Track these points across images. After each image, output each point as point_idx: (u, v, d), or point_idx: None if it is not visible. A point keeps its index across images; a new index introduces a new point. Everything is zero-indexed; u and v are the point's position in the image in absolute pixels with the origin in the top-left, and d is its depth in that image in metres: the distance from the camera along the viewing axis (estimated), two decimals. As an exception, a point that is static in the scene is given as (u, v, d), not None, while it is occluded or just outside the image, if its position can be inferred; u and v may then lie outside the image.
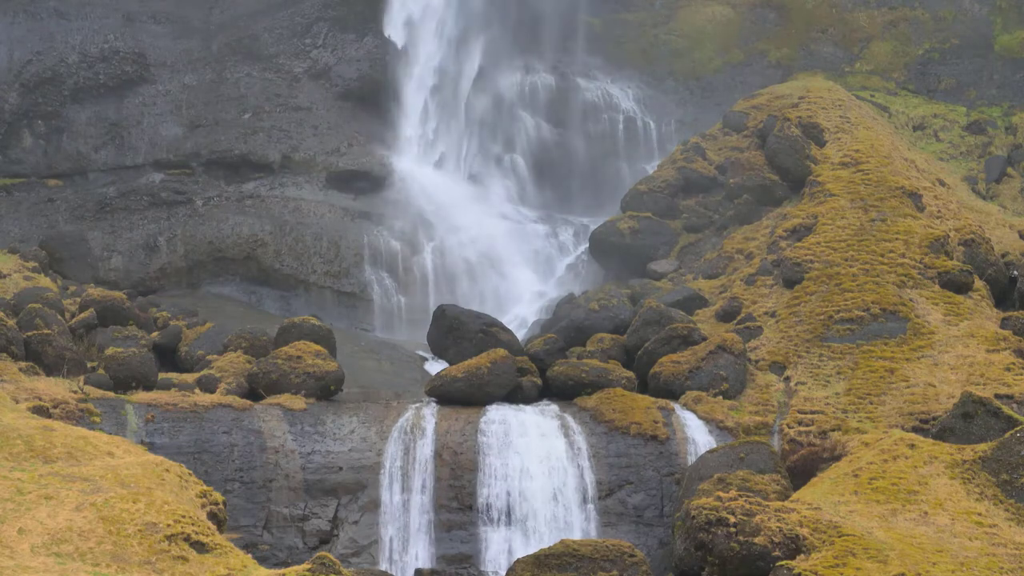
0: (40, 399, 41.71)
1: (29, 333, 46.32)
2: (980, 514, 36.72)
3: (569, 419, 45.03)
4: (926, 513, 36.84)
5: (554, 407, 46.09)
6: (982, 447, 38.93)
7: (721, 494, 36.56)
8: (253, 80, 68.36)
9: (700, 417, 45.20)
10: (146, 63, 67.70)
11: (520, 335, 54.57)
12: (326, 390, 46.07)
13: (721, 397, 46.35)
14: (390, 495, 43.11)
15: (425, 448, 43.72)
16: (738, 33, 75.75)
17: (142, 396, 44.08)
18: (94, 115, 66.75)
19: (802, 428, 44.24)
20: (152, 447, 41.23)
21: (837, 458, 41.85)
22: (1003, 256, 55.07)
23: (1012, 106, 70.05)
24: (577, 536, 41.47)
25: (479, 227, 65.83)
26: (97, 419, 42.00)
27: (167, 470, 36.02)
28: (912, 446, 39.93)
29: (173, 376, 47.55)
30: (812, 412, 44.91)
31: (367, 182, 66.73)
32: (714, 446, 43.37)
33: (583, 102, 72.17)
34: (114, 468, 35.27)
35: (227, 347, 49.19)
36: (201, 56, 68.67)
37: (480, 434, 43.97)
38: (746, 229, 58.40)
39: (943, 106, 70.99)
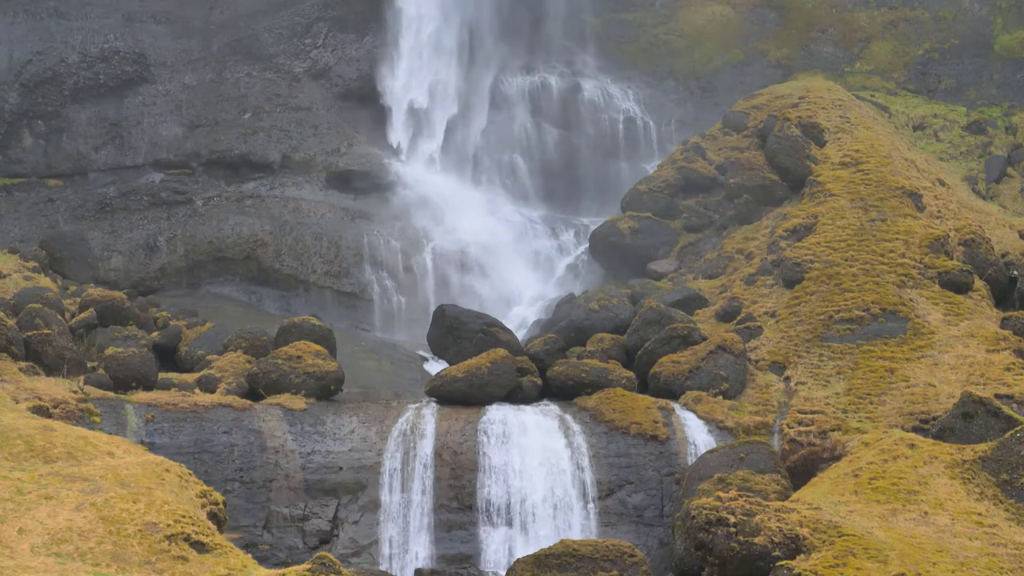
0: (40, 399, 41.69)
1: (29, 333, 46.29)
2: (980, 514, 36.71)
3: (569, 419, 45.00)
4: (926, 513, 36.83)
5: (554, 407, 46.07)
6: (982, 447, 38.91)
7: (721, 494, 36.54)
8: (253, 80, 68.37)
9: (700, 417, 45.20)
10: (146, 63, 67.71)
11: (520, 335, 54.53)
12: (326, 390, 46.05)
13: (721, 397, 46.34)
14: (390, 495, 43.09)
15: (425, 448, 43.68)
16: (738, 33, 75.69)
17: (142, 396, 44.06)
18: (94, 115, 66.75)
19: (802, 428, 44.23)
20: (152, 447, 41.20)
21: (837, 458, 41.84)
22: (1003, 256, 55.02)
23: (1012, 106, 69.98)
24: (577, 536, 41.45)
25: (479, 227, 65.73)
26: (97, 419, 41.98)
27: (167, 470, 36.01)
28: (912, 446, 39.92)
29: (173, 376, 47.53)
30: (812, 412, 44.90)
31: (367, 182, 66.69)
32: (714, 446, 43.36)
33: (583, 102, 72.12)
34: (114, 468, 35.25)
35: (227, 347, 49.16)
36: (201, 56, 68.68)
37: (480, 434, 43.94)
38: (746, 229, 58.38)
39: (943, 106, 70.93)
